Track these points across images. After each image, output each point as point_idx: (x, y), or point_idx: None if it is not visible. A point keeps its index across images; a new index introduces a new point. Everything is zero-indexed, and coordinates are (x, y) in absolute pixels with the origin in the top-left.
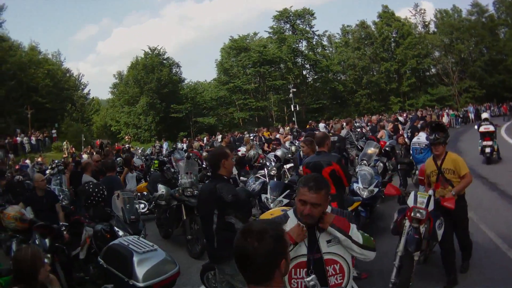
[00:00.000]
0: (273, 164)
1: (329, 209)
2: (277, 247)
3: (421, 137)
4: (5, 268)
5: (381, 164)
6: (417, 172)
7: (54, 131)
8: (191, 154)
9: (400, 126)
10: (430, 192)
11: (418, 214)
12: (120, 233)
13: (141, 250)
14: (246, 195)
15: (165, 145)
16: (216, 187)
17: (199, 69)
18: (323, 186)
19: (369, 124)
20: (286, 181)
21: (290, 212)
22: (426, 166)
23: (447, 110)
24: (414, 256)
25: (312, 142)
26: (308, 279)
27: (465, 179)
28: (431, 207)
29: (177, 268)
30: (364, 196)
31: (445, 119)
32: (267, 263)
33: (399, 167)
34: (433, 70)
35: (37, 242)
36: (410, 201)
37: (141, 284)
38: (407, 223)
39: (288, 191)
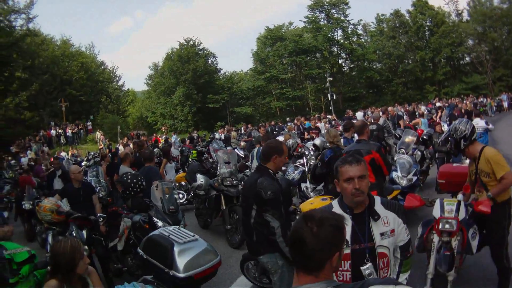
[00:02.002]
0: (311, 153)
1: (378, 199)
2: (335, 237)
3: (479, 123)
4: (41, 261)
5: (419, 153)
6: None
7: (89, 123)
8: (184, 148)
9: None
10: (460, 196)
11: (447, 226)
12: (159, 223)
13: (182, 240)
14: (287, 184)
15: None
16: (257, 181)
17: (235, 59)
18: (360, 158)
19: (405, 113)
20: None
21: (334, 202)
22: (469, 163)
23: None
24: (448, 276)
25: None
26: (364, 267)
27: (504, 181)
28: (462, 214)
29: (218, 258)
30: (403, 185)
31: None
32: (322, 251)
33: (436, 156)
34: (467, 58)
35: (74, 234)
36: (436, 211)
37: (181, 275)
38: (435, 238)
39: None
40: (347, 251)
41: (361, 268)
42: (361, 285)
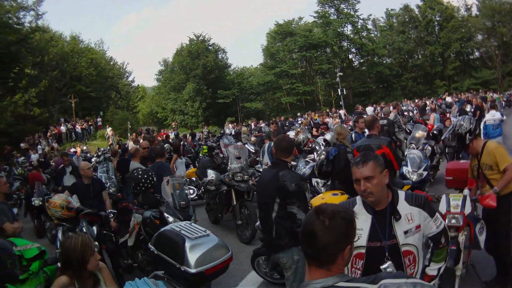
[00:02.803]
0: (322, 148)
1: (402, 195)
2: (347, 230)
3: (496, 115)
4: (51, 257)
5: (429, 148)
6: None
7: (99, 119)
8: (186, 143)
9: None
10: (466, 191)
11: (453, 221)
12: (170, 219)
13: (193, 235)
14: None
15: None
16: (279, 174)
17: (245, 54)
18: (369, 158)
19: (415, 108)
20: None
21: (358, 198)
22: (471, 159)
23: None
24: (456, 271)
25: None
26: (384, 266)
27: (508, 172)
28: (468, 209)
29: (229, 253)
30: (413, 180)
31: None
32: (334, 244)
33: (446, 151)
34: (476, 53)
35: (84, 230)
36: (442, 207)
37: (193, 270)
38: None
39: None
40: (361, 250)
41: (381, 267)
42: (373, 279)
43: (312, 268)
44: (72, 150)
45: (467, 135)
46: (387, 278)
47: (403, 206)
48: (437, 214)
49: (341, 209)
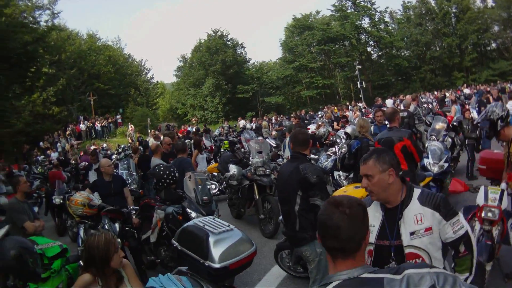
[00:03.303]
0: (343, 141)
1: (417, 192)
2: (365, 216)
3: None
4: (72, 255)
5: (450, 139)
6: None
7: (118, 116)
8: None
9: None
10: (503, 185)
11: (489, 214)
12: (193, 214)
13: (217, 230)
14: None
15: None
16: (299, 167)
17: (263, 49)
18: (369, 156)
19: (435, 99)
20: None
21: None
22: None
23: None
24: (486, 266)
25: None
26: (389, 266)
27: None
28: (504, 204)
29: (254, 248)
30: (434, 171)
31: None
32: (358, 231)
33: (466, 142)
34: (493, 44)
35: (106, 227)
36: (479, 198)
37: (217, 265)
38: (477, 225)
39: None
40: (371, 247)
41: (385, 267)
42: (396, 269)
43: (337, 260)
44: (92, 147)
45: (499, 121)
46: (411, 268)
47: (414, 206)
48: (457, 218)
49: (353, 198)
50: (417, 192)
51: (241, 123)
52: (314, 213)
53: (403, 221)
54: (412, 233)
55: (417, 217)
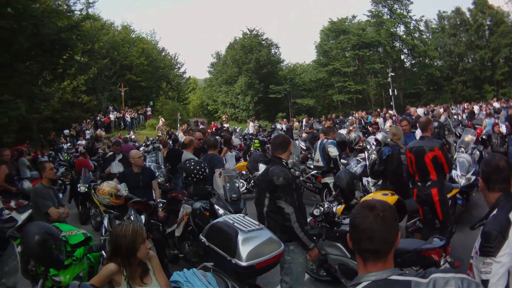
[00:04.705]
0: (373, 147)
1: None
2: (396, 218)
3: None
4: (96, 244)
5: (478, 152)
6: None
7: (149, 109)
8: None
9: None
10: None
11: None
12: (220, 211)
13: (247, 228)
14: (350, 178)
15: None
16: (269, 169)
17: (297, 50)
18: None
19: (465, 111)
20: None
21: None
22: None
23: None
24: None
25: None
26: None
27: None
28: None
29: (281, 248)
30: (462, 184)
31: None
32: (392, 233)
33: None
34: None
35: (132, 218)
36: None
37: (244, 263)
38: None
39: None
40: None
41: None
42: (423, 273)
43: (368, 262)
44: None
45: None
46: (437, 272)
47: None
48: (490, 261)
49: (385, 201)
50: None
51: (250, 125)
52: (281, 215)
53: None
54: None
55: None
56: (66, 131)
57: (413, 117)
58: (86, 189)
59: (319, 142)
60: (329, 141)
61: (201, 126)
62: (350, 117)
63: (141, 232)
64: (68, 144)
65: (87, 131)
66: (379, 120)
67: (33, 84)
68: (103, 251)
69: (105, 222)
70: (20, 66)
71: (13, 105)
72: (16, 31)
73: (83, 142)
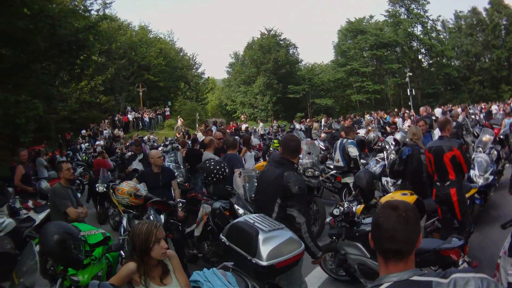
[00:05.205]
0: (392, 147)
1: None
2: (418, 218)
3: None
4: (115, 243)
5: (496, 152)
6: None
7: (167, 109)
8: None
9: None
10: None
11: None
12: (240, 211)
13: (267, 228)
14: (370, 177)
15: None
16: (284, 174)
17: (315, 50)
18: None
19: (483, 111)
20: None
21: None
22: None
23: None
24: None
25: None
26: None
27: None
28: None
29: (301, 248)
30: (480, 184)
31: None
32: (415, 234)
33: None
34: None
35: (151, 218)
36: None
37: (264, 263)
38: None
39: None
40: None
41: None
42: (444, 273)
43: (390, 263)
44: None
45: None
46: (457, 272)
47: None
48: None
49: (407, 202)
50: None
51: (260, 126)
52: (289, 223)
53: None
54: None
55: None
56: (84, 132)
57: (434, 117)
58: (105, 189)
59: (339, 142)
60: (349, 141)
61: (213, 128)
62: (367, 117)
63: (155, 232)
64: (86, 144)
65: (105, 131)
66: (398, 120)
67: (50, 85)
68: (121, 251)
69: (124, 222)
70: (37, 67)
71: (31, 105)
72: (33, 32)
73: (101, 142)
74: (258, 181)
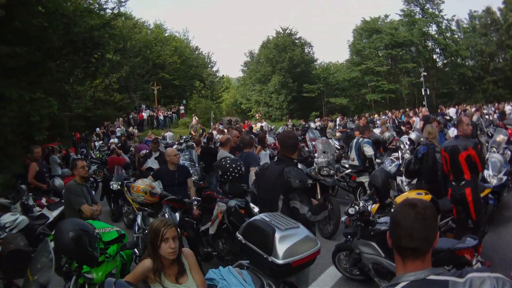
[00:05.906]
0: (407, 147)
1: None
2: (436, 217)
3: None
4: (129, 241)
5: (509, 152)
6: None
7: (182, 107)
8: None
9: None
10: None
11: None
12: (256, 209)
13: (284, 226)
14: (385, 176)
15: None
16: (284, 170)
17: (330, 49)
18: None
19: (497, 111)
20: None
21: None
22: None
23: None
24: None
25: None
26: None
27: None
28: None
29: (318, 246)
30: (493, 184)
31: None
32: (432, 232)
33: None
34: None
35: (166, 216)
36: None
37: (280, 261)
38: None
39: None
40: None
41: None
42: (460, 273)
43: (407, 261)
44: (153, 136)
45: None
46: (473, 272)
47: None
48: None
49: (425, 200)
50: None
51: (263, 125)
52: (296, 216)
53: None
54: None
55: None
56: (98, 129)
57: (447, 117)
58: (119, 187)
59: (354, 141)
60: (365, 140)
61: (220, 126)
62: (383, 116)
63: (163, 230)
64: (101, 142)
65: (118, 129)
66: (415, 119)
67: (65, 82)
68: (135, 249)
69: (139, 219)
70: (52, 65)
71: (45, 103)
72: (48, 30)
73: (116, 140)
74: (259, 180)
